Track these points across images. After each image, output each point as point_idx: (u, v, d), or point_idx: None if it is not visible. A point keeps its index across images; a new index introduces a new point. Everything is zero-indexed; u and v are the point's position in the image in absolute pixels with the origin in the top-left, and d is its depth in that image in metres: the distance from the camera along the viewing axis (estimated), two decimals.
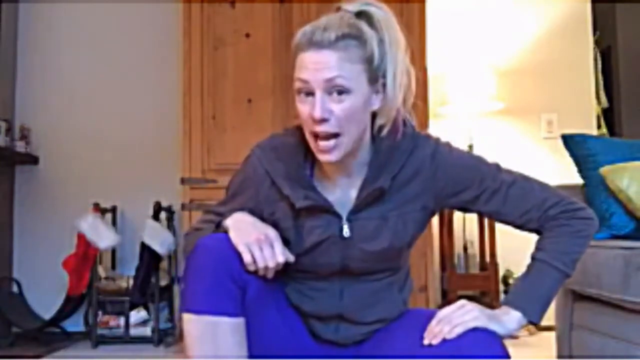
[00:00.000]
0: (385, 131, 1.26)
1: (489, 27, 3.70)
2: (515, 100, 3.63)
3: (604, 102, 4.22)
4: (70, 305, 3.33)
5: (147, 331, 3.23)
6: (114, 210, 3.50)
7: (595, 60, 3.98)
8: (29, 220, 3.60)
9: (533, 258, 1.28)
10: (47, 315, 3.39)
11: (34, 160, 3.59)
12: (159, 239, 3.19)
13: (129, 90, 3.65)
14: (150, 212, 3.32)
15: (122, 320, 3.23)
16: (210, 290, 1.18)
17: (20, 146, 3.51)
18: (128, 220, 3.56)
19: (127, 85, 3.65)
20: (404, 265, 1.39)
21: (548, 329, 3.05)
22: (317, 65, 1.17)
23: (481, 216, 3.32)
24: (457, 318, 1.15)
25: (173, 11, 3.50)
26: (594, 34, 3.86)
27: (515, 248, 3.45)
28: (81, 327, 3.41)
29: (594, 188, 2.20)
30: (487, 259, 3.29)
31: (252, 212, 1.30)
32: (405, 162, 1.26)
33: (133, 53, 3.66)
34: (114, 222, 3.47)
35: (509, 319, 1.20)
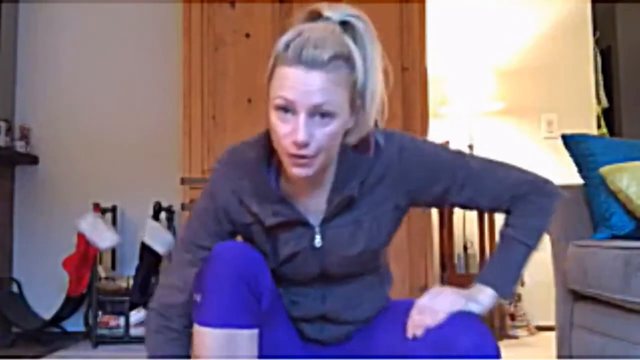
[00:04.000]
0: (352, 141, 1.22)
1: (489, 27, 3.71)
2: (515, 100, 3.63)
3: (604, 102, 4.22)
4: (70, 305, 3.33)
5: None
6: (114, 210, 3.50)
7: (595, 60, 3.98)
8: (29, 220, 3.60)
9: (503, 235, 1.31)
10: (47, 315, 3.38)
11: (34, 160, 3.59)
12: (159, 239, 3.18)
13: (129, 90, 3.65)
14: (150, 212, 3.32)
15: (122, 320, 3.23)
16: (231, 304, 1.18)
17: (20, 146, 3.51)
18: (128, 220, 3.56)
19: (127, 85, 3.65)
20: (383, 263, 1.40)
21: (548, 329, 3.06)
22: (306, 87, 1.10)
23: (482, 213, 3.32)
24: (437, 305, 1.17)
25: (173, 11, 3.50)
26: (594, 34, 3.86)
27: None
28: (81, 327, 3.40)
29: (594, 188, 2.20)
30: (487, 259, 3.28)
31: (231, 234, 1.31)
32: (373, 166, 1.25)
33: (133, 53, 3.66)
34: (114, 222, 3.47)
35: (484, 297, 1.23)
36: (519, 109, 3.64)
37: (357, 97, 1.17)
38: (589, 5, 3.74)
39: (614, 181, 2.10)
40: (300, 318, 1.34)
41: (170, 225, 3.36)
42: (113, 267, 3.50)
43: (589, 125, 3.63)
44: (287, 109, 1.13)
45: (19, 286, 3.50)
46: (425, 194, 1.29)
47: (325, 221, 1.25)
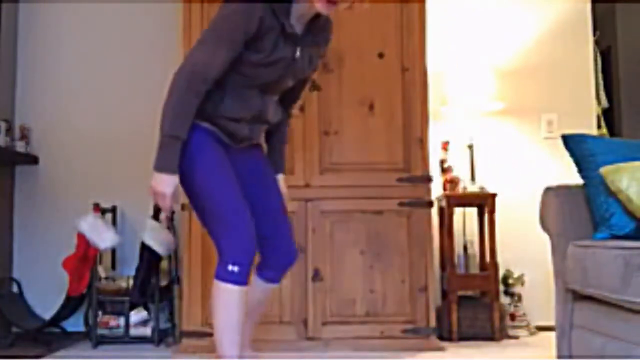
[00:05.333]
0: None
1: (489, 27, 3.71)
2: (515, 100, 3.63)
3: (604, 102, 4.22)
4: (70, 305, 3.33)
5: (147, 331, 3.23)
6: (114, 210, 3.50)
7: (595, 60, 3.98)
8: (29, 220, 3.60)
9: (283, 141, 2.24)
10: (47, 315, 3.39)
11: (34, 160, 3.59)
12: (159, 239, 3.18)
13: (129, 90, 3.66)
14: (150, 212, 3.32)
15: (122, 320, 3.23)
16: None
17: (20, 146, 3.51)
18: (128, 220, 3.56)
19: (127, 86, 3.66)
20: (297, 104, 2.29)
21: (548, 329, 3.06)
22: None
23: (482, 214, 3.32)
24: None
25: (173, 11, 3.51)
26: (594, 34, 3.86)
27: (515, 248, 3.46)
28: (81, 327, 3.41)
29: (594, 188, 2.20)
30: (487, 259, 3.29)
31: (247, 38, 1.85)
32: (328, 28, 2.06)
33: (133, 53, 3.67)
34: (114, 222, 3.47)
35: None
36: (519, 109, 3.64)
37: None
38: (589, 5, 3.74)
39: (614, 181, 2.10)
40: (242, 117, 1.93)
41: (170, 225, 3.36)
42: (113, 267, 3.50)
43: (589, 125, 3.63)
44: None
45: (19, 286, 3.50)
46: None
47: (301, 46, 1.95)
